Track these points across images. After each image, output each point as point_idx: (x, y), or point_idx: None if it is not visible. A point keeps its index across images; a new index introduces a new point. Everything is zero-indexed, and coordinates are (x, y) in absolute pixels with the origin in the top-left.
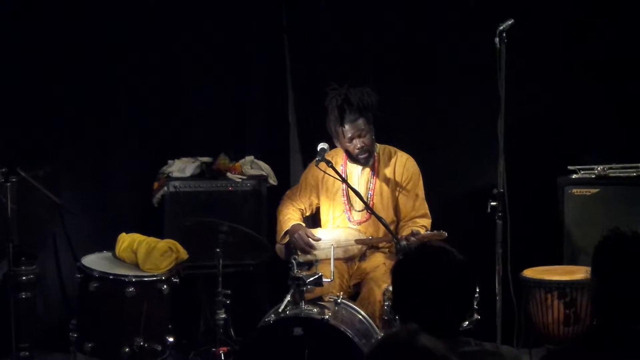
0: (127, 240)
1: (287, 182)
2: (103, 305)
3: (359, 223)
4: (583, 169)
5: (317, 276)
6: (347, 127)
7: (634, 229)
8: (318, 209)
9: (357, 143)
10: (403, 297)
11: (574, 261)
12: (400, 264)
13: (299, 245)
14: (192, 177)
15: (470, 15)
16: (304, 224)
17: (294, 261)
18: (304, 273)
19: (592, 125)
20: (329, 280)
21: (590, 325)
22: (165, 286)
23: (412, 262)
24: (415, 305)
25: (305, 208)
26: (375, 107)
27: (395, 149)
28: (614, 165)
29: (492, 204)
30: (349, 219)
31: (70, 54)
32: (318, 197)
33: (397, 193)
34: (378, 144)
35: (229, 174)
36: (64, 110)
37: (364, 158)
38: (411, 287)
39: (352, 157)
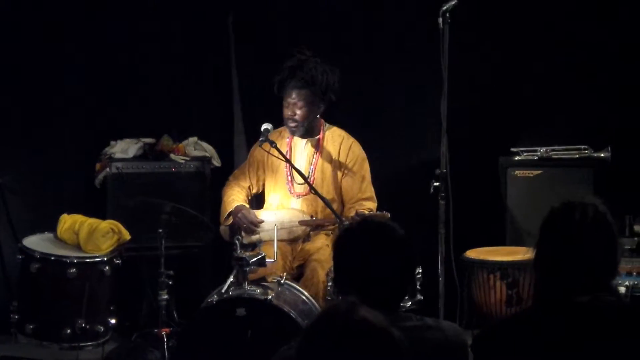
0: (68, 221)
1: (231, 164)
2: (44, 287)
3: (299, 196)
4: (526, 151)
5: (260, 256)
6: (288, 90)
7: (583, 200)
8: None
9: (289, 110)
10: (344, 271)
11: (516, 242)
12: (342, 237)
13: (243, 225)
14: (135, 158)
15: None
16: (247, 205)
17: (237, 242)
18: (247, 253)
19: (536, 106)
20: (273, 260)
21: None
22: (107, 267)
23: (353, 236)
24: (355, 279)
25: (252, 184)
26: (327, 88)
27: (344, 131)
28: (556, 147)
29: (435, 184)
30: (289, 191)
31: (9, 31)
32: (265, 173)
33: (340, 174)
34: (327, 124)
35: (172, 155)
36: (3, 89)
37: (291, 127)
38: (352, 260)
39: (285, 122)
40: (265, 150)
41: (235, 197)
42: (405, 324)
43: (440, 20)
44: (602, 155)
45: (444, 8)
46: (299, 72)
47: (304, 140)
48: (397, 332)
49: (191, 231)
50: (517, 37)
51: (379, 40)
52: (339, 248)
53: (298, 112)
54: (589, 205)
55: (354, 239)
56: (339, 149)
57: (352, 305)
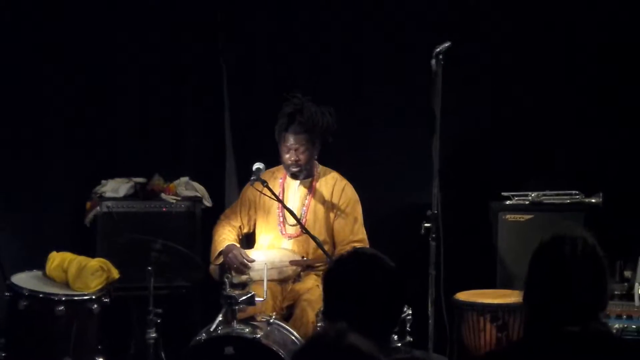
0: (57, 259)
1: (222, 204)
2: (32, 324)
3: (291, 237)
4: (517, 195)
5: (249, 295)
6: (289, 136)
7: (572, 233)
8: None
9: (292, 155)
10: (334, 301)
11: (507, 286)
12: (332, 268)
13: (233, 265)
14: (126, 198)
15: (408, 34)
16: (238, 245)
17: (227, 280)
18: (237, 292)
19: (528, 150)
20: (262, 299)
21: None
22: (95, 305)
23: (343, 266)
24: (345, 309)
25: (244, 224)
26: (327, 130)
27: (337, 173)
28: (547, 192)
29: (426, 225)
30: (281, 232)
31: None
32: (256, 213)
33: (333, 215)
34: (321, 166)
35: (163, 195)
36: None
37: (294, 171)
38: (342, 290)
39: (286, 167)
40: (258, 190)
41: (226, 236)
42: (394, 357)
43: (433, 61)
44: (593, 200)
45: (438, 49)
46: (299, 116)
47: (297, 182)
48: None
49: (181, 270)
50: (511, 78)
51: (370, 78)
52: (330, 277)
53: (301, 156)
54: (578, 238)
55: (344, 269)
56: (332, 191)
57: (340, 332)
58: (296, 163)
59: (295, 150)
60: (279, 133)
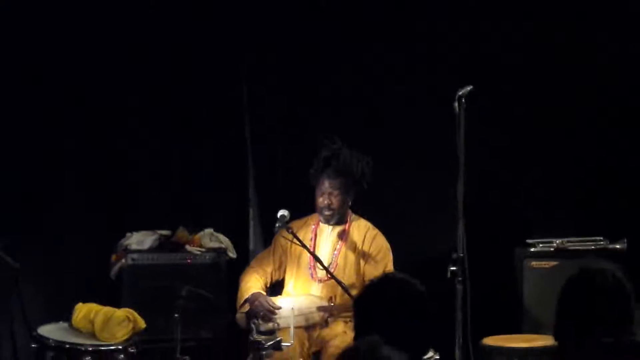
0: (83, 310)
1: (246, 256)
2: None
3: (321, 281)
4: (542, 242)
5: (276, 340)
6: (323, 180)
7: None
8: None
9: (325, 199)
10: (366, 327)
11: (532, 332)
12: (364, 292)
13: (260, 312)
14: (151, 250)
15: (429, 78)
16: (264, 293)
17: (253, 325)
18: (263, 337)
19: (553, 197)
20: (289, 344)
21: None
22: (122, 355)
23: (375, 289)
24: (377, 328)
25: (275, 269)
26: (361, 177)
27: (369, 223)
28: (572, 239)
29: (452, 268)
30: (312, 276)
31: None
32: (287, 259)
33: (363, 262)
34: (354, 214)
35: (187, 247)
36: (21, 180)
37: (326, 215)
38: (374, 313)
39: (319, 210)
40: (288, 240)
41: (253, 284)
42: None
43: (456, 104)
44: (617, 246)
45: (460, 93)
46: (334, 161)
47: (330, 228)
48: None
49: (207, 318)
50: (535, 125)
51: (391, 125)
52: (362, 301)
53: (334, 200)
54: (607, 270)
55: (376, 291)
56: (364, 239)
57: (373, 344)
58: (329, 207)
59: (329, 194)
60: (314, 176)
